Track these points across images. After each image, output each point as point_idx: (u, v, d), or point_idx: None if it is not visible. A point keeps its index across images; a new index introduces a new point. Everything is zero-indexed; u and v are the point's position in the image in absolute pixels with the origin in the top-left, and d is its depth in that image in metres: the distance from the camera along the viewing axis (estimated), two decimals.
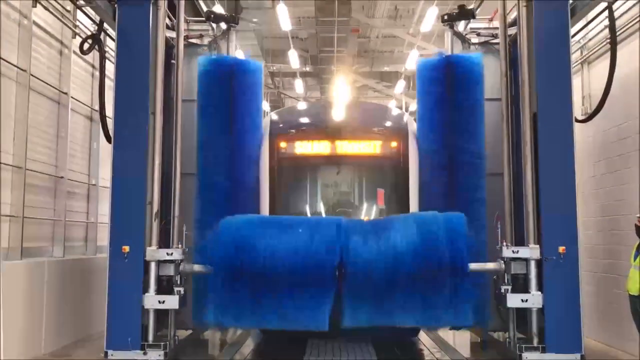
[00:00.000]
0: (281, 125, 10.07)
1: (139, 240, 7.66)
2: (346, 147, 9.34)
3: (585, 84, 11.49)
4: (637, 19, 9.18)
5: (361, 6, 21.41)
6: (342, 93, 22.32)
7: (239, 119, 9.21)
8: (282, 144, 9.28)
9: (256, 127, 9.49)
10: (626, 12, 9.69)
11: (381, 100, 27.18)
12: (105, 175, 11.92)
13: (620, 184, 10.15)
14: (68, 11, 10.25)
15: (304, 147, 9.37)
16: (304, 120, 10.75)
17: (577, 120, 8.20)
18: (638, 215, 8.58)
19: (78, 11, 10.21)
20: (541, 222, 7.61)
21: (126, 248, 7.56)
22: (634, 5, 9.48)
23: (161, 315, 8.00)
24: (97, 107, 11.45)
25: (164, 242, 7.96)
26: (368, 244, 7.53)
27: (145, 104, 7.87)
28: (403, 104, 25.52)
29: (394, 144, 9.27)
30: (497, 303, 8.05)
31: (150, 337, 7.70)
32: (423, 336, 10.08)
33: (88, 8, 9.11)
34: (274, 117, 10.82)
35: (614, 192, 10.40)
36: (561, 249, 7.43)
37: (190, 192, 8.82)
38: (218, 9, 16.59)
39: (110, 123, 8.34)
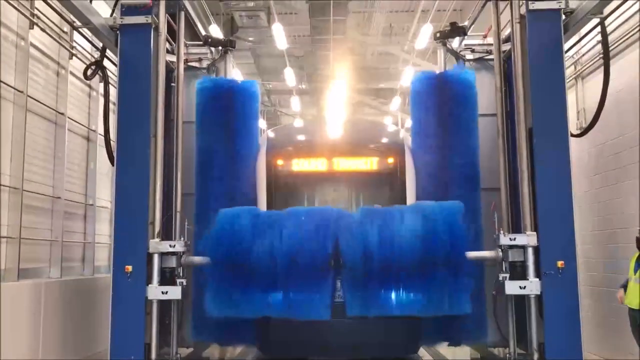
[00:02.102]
0: (278, 142, 10.10)
1: (141, 260, 7.73)
2: (343, 164, 9.37)
3: (579, 99, 11.58)
4: (637, 30, 9.27)
5: (356, 24, 21.59)
6: (337, 110, 22.44)
7: (235, 136, 9.28)
8: (279, 162, 9.30)
9: (253, 145, 9.54)
10: (619, 26, 9.80)
11: (377, 116, 27.28)
12: (102, 195, 11.96)
13: (616, 198, 10.19)
14: (65, 32, 10.31)
15: (300, 165, 9.40)
16: (301, 137, 10.79)
17: (572, 135, 8.24)
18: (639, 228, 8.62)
19: (75, 32, 10.27)
20: (539, 236, 7.61)
21: (129, 268, 7.63)
22: (626, 20, 9.60)
23: (163, 333, 8.07)
24: (94, 127, 11.53)
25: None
26: (365, 232, 7.60)
27: (147, 127, 8.02)
28: (399, 120, 25.61)
29: (390, 160, 9.30)
30: (495, 293, 8.04)
31: (153, 355, 7.74)
32: (422, 352, 10.03)
33: (85, 29, 9.17)
34: (271, 134, 10.86)
35: (611, 205, 10.44)
36: (559, 263, 7.40)
37: (190, 211, 8.88)
38: (214, 28, 16.71)
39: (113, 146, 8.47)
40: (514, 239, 7.68)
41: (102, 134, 9.32)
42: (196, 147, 9.19)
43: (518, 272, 7.68)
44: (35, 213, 9.45)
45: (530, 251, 7.61)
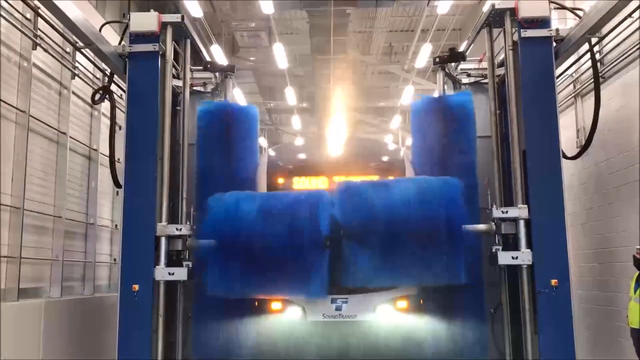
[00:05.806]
0: (278, 161, 10.17)
1: (148, 280, 7.90)
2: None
3: (579, 117, 11.65)
4: (637, 48, 9.37)
5: (356, 43, 21.79)
6: (338, 129, 22.51)
7: (235, 157, 9.45)
8: (280, 180, 9.37)
9: (253, 165, 9.65)
10: (616, 47, 9.92)
11: (377, 135, 27.41)
12: (103, 214, 12.02)
13: (616, 216, 10.22)
14: (67, 53, 10.44)
15: (301, 183, 9.45)
16: (301, 156, 10.85)
17: (565, 157, 8.37)
18: (638, 247, 8.65)
19: (77, 52, 10.40)
20: (533, 256, 7.72)
21: (136, 287, 7.81)
22: (622, 41, 9.71)
23: (168, 351, 8.21)
24: (95, 146, 11.63)
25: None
26: (364, 205, 7.89)
27: (154, 150, 8.24)
28: (399, 138, 25.75)
29: (391, 178, 9.36)
30: (490, 263, 8.18)
31: None
32: None
33: (87, 50, 9.30)
34: (271, 153, 10.94)
35: (610, 224, 10.46)
36: (553, 282, 7.55)
37: None
38: (216, 48, 16.90)
39: (120, 168, 8.70)
40: (506, 212, 7.93)
41: (104, 153, 9.45)
42: (197, 168, 9.31)
43: (510, 244, 7.94)
44: (36, 232, 9.51)
45: (521, 223, 7.85)
